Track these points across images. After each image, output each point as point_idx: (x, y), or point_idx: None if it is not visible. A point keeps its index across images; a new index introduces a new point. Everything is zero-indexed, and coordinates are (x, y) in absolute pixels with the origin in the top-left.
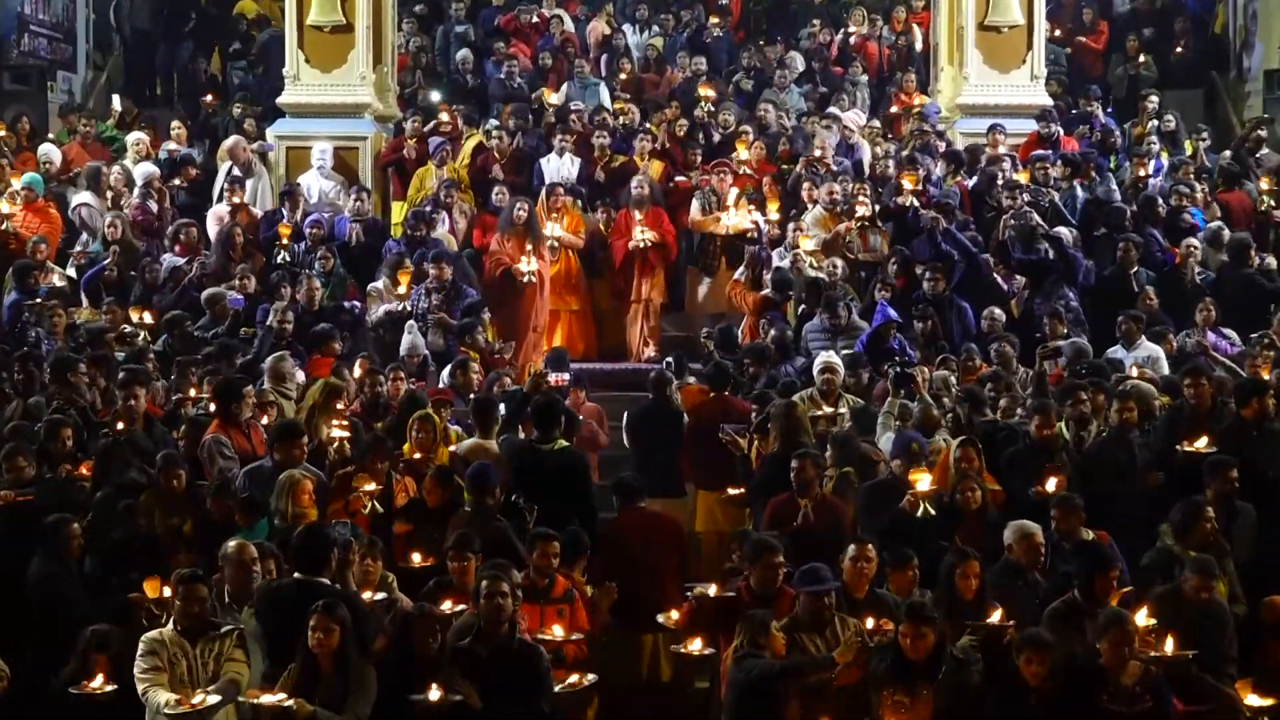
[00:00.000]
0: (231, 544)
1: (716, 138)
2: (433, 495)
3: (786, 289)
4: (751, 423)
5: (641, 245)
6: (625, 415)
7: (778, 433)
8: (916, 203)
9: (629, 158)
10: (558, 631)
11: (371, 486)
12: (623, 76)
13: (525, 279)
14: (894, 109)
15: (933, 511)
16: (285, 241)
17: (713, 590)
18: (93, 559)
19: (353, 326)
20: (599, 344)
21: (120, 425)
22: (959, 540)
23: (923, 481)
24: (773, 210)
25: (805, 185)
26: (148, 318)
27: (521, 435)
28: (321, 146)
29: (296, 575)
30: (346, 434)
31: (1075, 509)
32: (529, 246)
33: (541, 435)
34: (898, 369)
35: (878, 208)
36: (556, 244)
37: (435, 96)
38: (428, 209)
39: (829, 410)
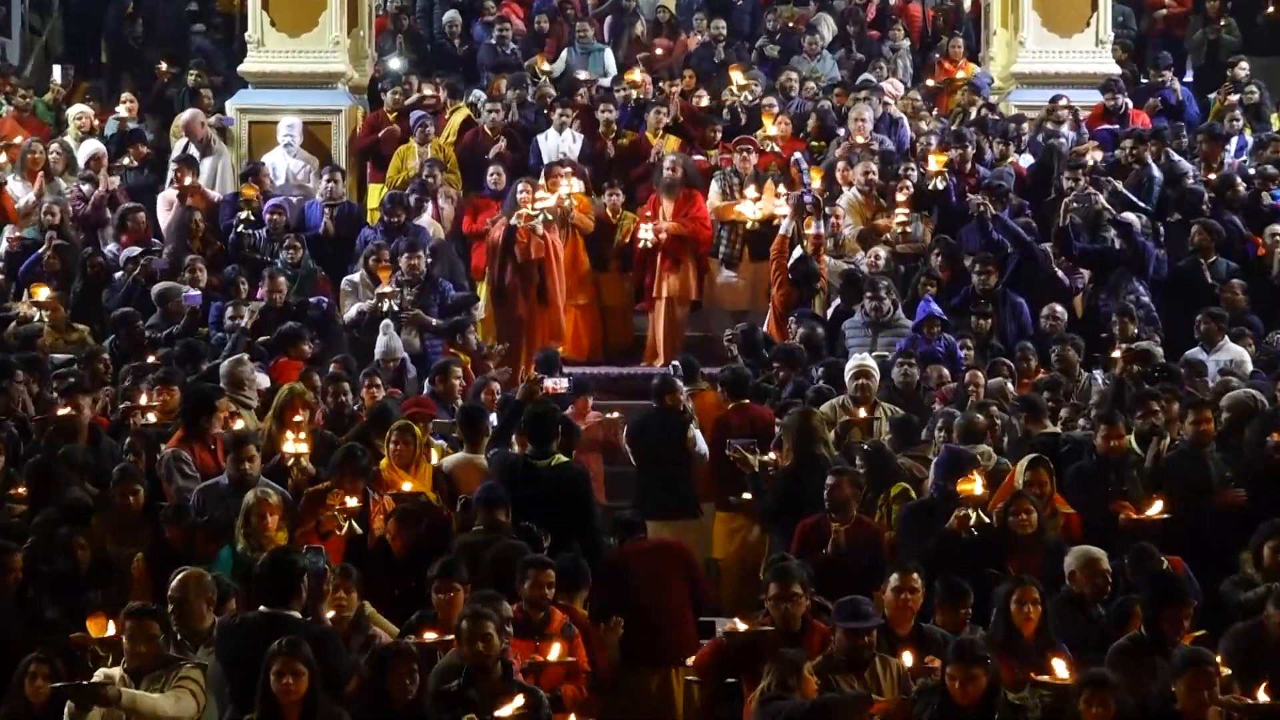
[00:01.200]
0: (180, 575)
1: (744, 117)
2: (396, 540)
3: (812, 280)
4: (773, 435)
5: (646, 243)
6: (625, 426)
7: (790, 445)
8: (940, 184)
9: (639, 134)
10: (554, 653)
11: (354, 502)
12: (634, 41)
13: (538, 220)
14: (936, 80)
15: (987, 519)
16: (245, 216)
17: (743, 626)
18: (33, 590)
19: (321, 325)
20: (605, 345)
21: (54, 436)
22: (1014, 568)
23: (975, 486)
24: (815, 178)
25: (839, 165)
26: (44, 293)
27: (514, 449)
28: (289, 121)
29: (263, 608)
30: (304, 448)
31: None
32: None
33: (536, 449)
34: None
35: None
36: (556, 215)
37: (395, 64)
38: (408, 192)
39: (865, 416)
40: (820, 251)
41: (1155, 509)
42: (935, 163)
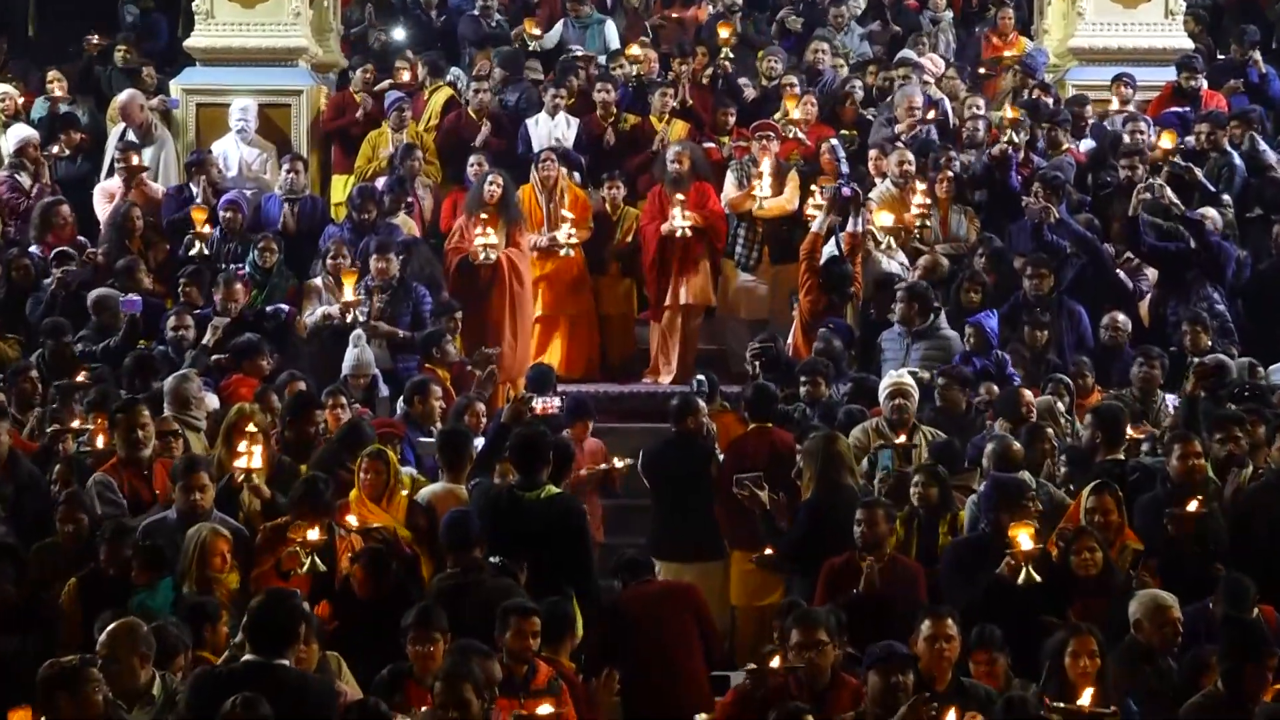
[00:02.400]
0: (109, 628)
1: (749, 93)
2: (364, 586)
3: (844, 285)
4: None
5: (681, 231)
6: (640, 454)
7: (812, 474)
8: (1007, 144)
9: (643, 119)
10: (543, 710)
11: (315, 534)
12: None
13: (481, 257)
14: (982, 57)
15: (1037, 578)
16: (202, 230)
17: (776, 662)
18: None
19: (279, 337)
20: (603, 359)
21: None
22: (1076, 615)
23: (1024, 538)
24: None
25: (872, 154)
26: None
27: (499, 479)
28: (242, 104)
29: (249, 657)
30: (258, 463)
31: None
32: (483, 216)
33: (524, 479)
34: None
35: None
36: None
37: (400, 35)
38: (382, 186)
39: (901, 442)
40: (857, 252)
41: (1193, 506)
42: (1007, 117)
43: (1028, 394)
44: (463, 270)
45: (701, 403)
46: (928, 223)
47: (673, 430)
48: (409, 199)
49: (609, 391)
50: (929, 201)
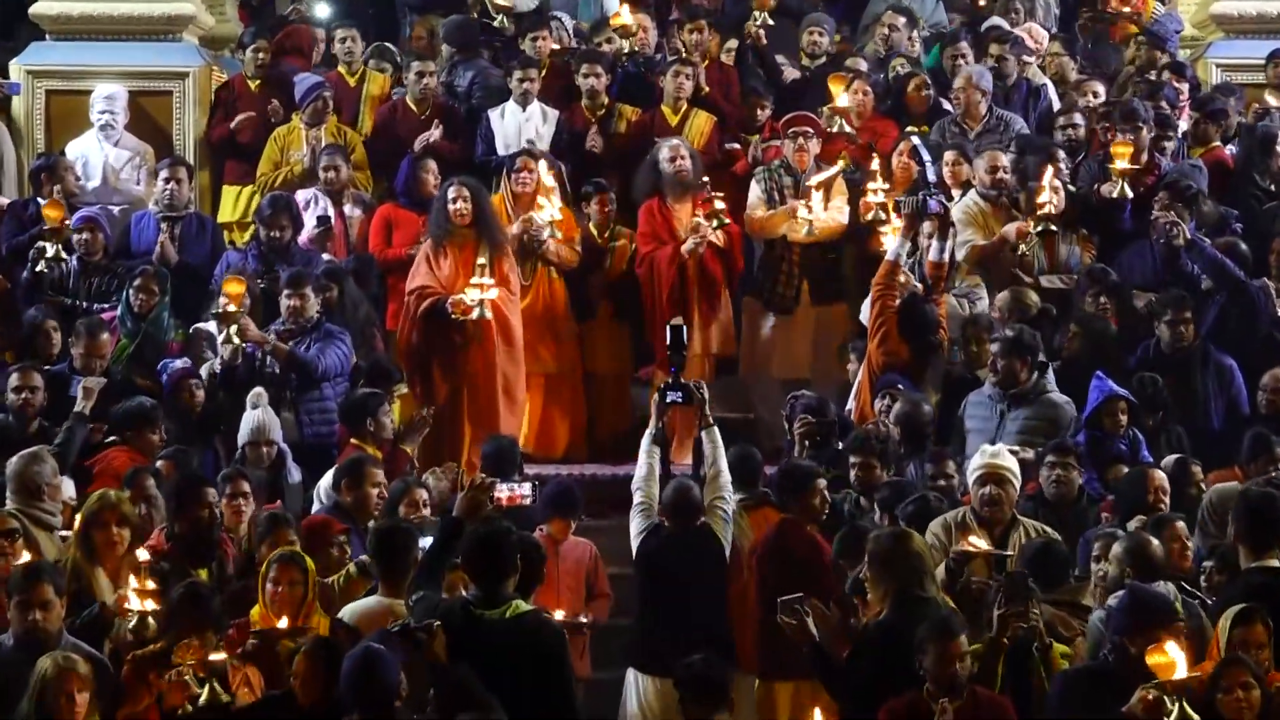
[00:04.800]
0: None
1: (788, 73)
2: (308, 687)
3: (926, 331)
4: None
5: (697, 248)
6: (634, 554)
7: (881, 585)
8: (1119, 192)
9: (647, 112)
10: None
11: (220, 656)
12: None
13: (474, 314)
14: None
15: (1194, 717)
16: (60, 226)
17: None
18: None
19: (154, 405)
20: (591, 432)
21: None
22: None
23: (1172, 662)
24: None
25: (949, 156)
26: None
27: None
28: (108, 91)
29: None
30: (151, 604)
31: None
32: (481, 262)
33: (482, 591)
34: None
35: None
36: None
37: (324, 11)
38: (301, 196)
39: (986, 547)
40: (941, 287)
41: None
42: (1118, 157)
43: (1159, 475)
44: (432, 322)
45: (694, 487)
46: (1024, 253)
47: (668, 524)
48: (326, 211)
49: (599, 475)
50: (1058, 208)
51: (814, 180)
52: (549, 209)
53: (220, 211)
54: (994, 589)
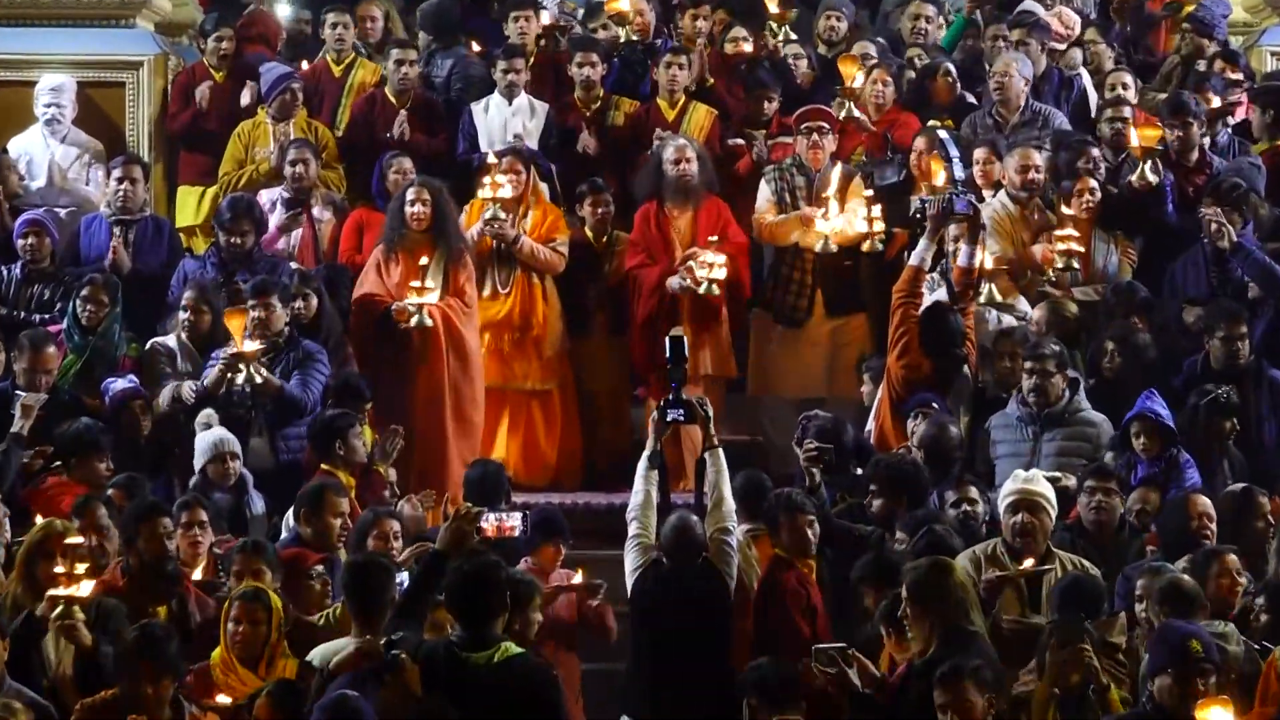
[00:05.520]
0: None
1: (804, 67)
2: None
3: (953, 343)
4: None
5: (705, 288)
6: (629, 593)
7: (925, 621)
8: (1150, 177)
9: (643, 106)
10: None
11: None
12: None
13: (413, 322)
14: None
15: None
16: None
17: None
18: None
19: (122, 427)
20: (586, 456)
21: None
22: None
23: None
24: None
25: (980, 153)
26: None
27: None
28: (53, 83)
29: None
30: (84, 589)
31: None
32: (428, 267)
33: (469, 633)
34: None
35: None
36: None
37: (285, 12)
38: (264, 197)
39: (1026, 566)
40: (969, 295)
41: None
42: (1141, 138)
43: (1201, 502)
44: (378, 331)
45: (696, 523)
46: (1073, 264)
47: (667, 559)
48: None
49: (594, 503)
50: (1073, 233)
51: (830, 190)
52: (504, 188)
53: (178, 215)
54: (1046, 632)
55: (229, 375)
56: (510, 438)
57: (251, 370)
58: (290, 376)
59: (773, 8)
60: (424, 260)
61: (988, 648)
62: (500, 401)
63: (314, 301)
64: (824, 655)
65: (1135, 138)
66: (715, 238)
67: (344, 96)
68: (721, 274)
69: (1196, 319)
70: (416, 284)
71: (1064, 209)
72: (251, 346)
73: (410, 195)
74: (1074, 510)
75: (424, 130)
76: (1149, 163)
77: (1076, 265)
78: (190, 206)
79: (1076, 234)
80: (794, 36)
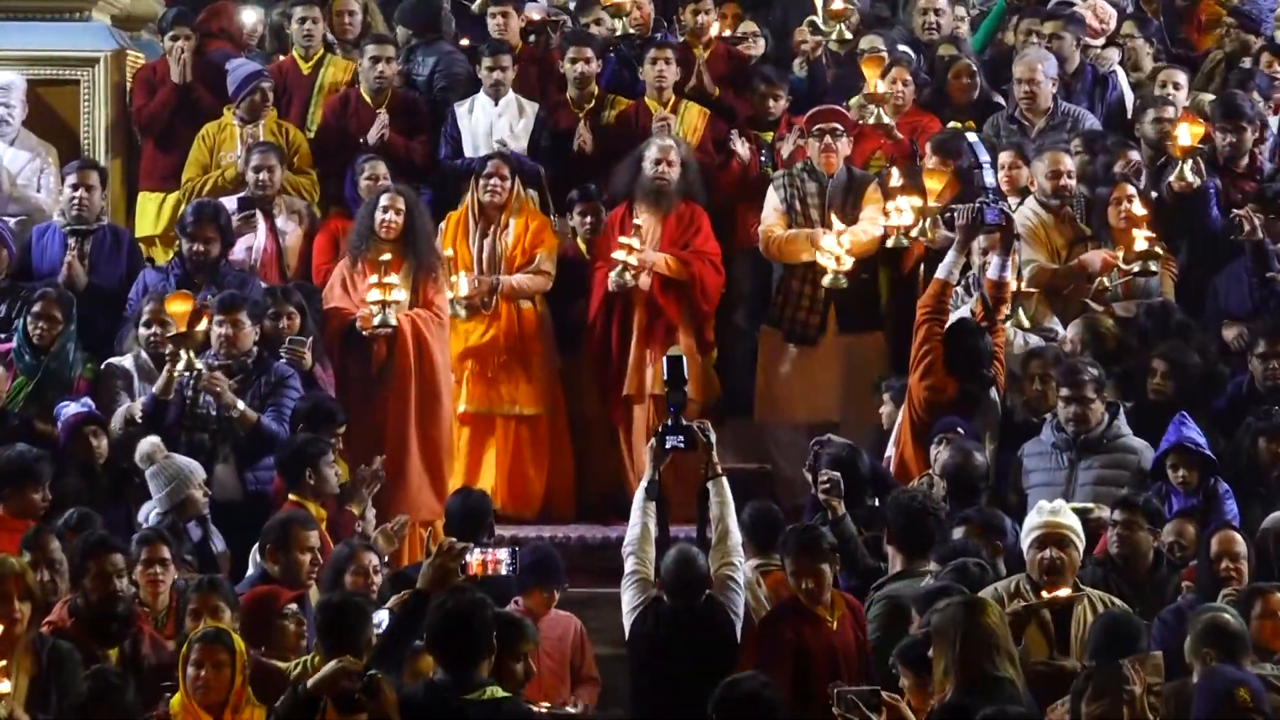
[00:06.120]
0: None
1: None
2: None
3: (979, 364)
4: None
5: (622, 282)
6: (627, 634)
7: (949, 661)
8: (1190, 177)
9: (637, 104)
10: None
11: None
12: None
13: (375, 322)
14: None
15: None
16: None
17: None
18: None
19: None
20: (580, 485)
21: None
22: None
23: None
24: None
25: (1005, 157)
26: None
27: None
28: (2, 81)
29: None
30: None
31: None
32: (385, 258)
33: (452, 676)
34: None
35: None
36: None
37: (249, 16)
38: (231, 204)
39: (1058, 595)
40: (1002, 312)
41: None
42: (1187, 134)
43: (1230, 539)
44: (345, 344)
45: (699, 556)
46: (1150, 266)
47: (667, 596)
48: (260, 224)
49: (587, 537)
50: (1131, 266)
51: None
52: (461, 284)
53: (138, 224)
54: (1081, 678)
55: (174, 368)
56: (497, 466)
57: (191, 356)
58: (264, 405)
59: (836, 4)
60: (385, 257)
61: (1019, 695)
62: (486, 427)
63: (296, 321)
64: (845, 700)
65: (1177, 133)
66: (638, 221)
67: (314, 96)
68: (633, 260)
69: (1236, 336)
70: (376, 279)
71: (1135, 208)
72: (196, 328)
73: (384, 201)
74: (1101, 541)
75: (403, 132)
76: (1189, 162)
77: (1155, 269)
78: (150, 215)
79: (1151, 234)
80: (848, 36)
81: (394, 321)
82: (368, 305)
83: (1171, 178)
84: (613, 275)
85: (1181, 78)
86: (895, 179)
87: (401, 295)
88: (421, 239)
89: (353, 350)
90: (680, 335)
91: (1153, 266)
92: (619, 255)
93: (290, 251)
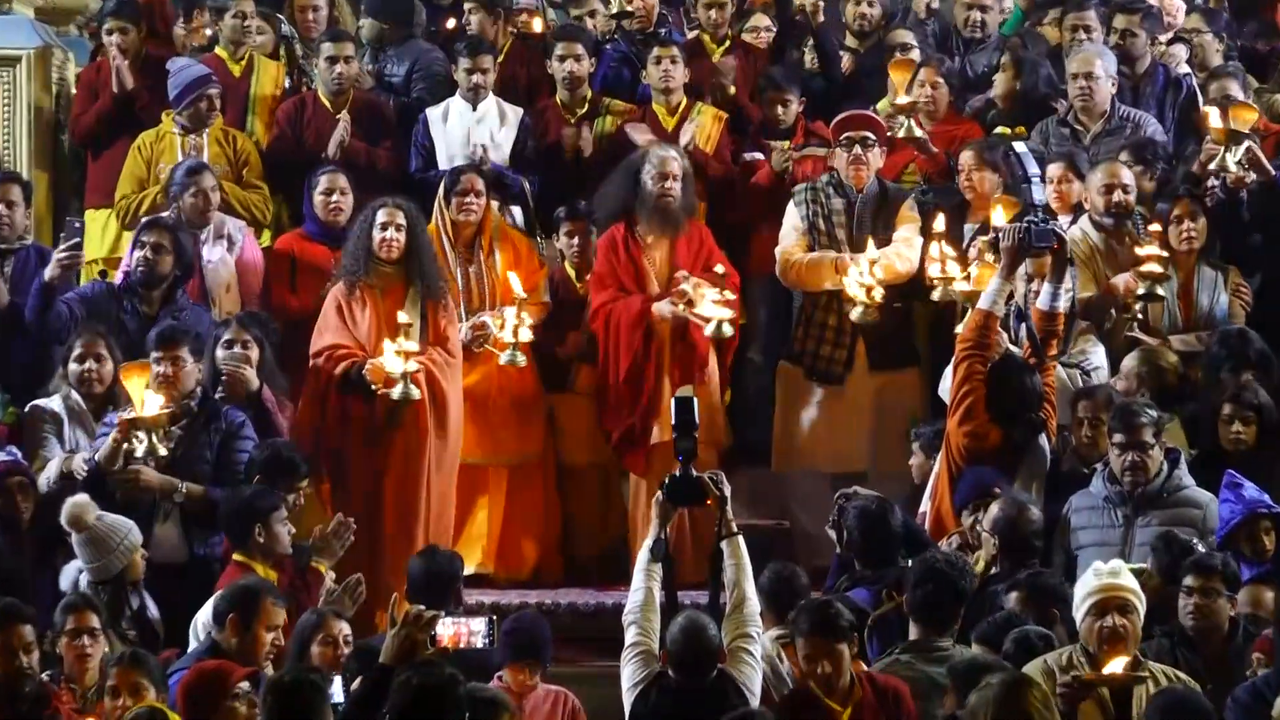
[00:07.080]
0: None
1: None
2: None
3: (1029, 406)
4: None
5: (720, 336)
6: (627, 714)
7: None
8: (1235, 168)
9: (642, 108)
10: None
11: None
12: None
13: (396, 393)
14: None
15: None
16: None
17: None
18: None
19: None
20: (568, 543)
21: None
22: None
23: None
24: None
25: (1054, 170)
26: None
27: None
28: None
29: None
30: None
31: None
32: (404, 320)
33: None
34: None
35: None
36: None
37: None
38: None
39: (1116, 670)
40: (1051, 349)
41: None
42: (1240, 119)
43: None
44: (344, 388)
45: (710, 625)
46: (1156, 289)
47: (672, 670)
48: (209, 244)
49: (579, 603)
50: (1157, 250)
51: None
52: (508, 322)
53: (89, 243)
54: None
55: (126, 447)
56: (478, 523)
57: (154, 440)
58: (215, 463)
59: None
60: (404, 318)
61: None
62: (465, 479)
63: (254, 353)
64: None
65: (1215, 119)
66: (721, 269)
67: (250, 102)
68: (730, 313)
69: None
70: (398, 346)
71: (1151, 227)
72: (153, 410)
73: (382, 217)
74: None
75: (365, 138)
76: (1231, 150)
77: (1162, 292)
78: (95, 236)
79: (1162, 253)
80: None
81: (416, 395)
82: (381, 360)
83: (1213, 163)
84: (709, 330)
85: (1236, 88)
86: (940, 223)
87: (415, 365)
88: (427, 259)
89: (354, 395)
90: (710, 368)
91: (1160, 291)
92: (715, 311)
93: (218, 284)
